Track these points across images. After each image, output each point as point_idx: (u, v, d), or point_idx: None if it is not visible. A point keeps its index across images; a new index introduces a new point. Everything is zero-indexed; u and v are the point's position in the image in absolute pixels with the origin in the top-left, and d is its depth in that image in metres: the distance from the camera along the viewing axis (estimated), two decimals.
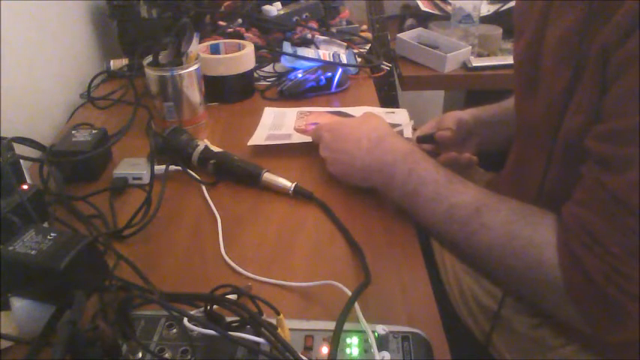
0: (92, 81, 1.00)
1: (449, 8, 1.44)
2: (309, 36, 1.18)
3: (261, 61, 1.09)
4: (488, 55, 1.33)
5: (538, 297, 0.56)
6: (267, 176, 0.70)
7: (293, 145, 0.79)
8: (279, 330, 0.44)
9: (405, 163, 0.63)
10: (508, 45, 1.36)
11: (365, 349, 0.45)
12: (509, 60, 1.23)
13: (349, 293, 0.49)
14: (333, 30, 1.24)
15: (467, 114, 0.85)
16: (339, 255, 0.59)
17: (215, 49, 1.00)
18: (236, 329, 0.45)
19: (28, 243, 0.48)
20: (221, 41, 1.02)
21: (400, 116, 0.89)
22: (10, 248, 0.47)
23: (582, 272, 0.49)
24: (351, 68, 1.08)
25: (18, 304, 0.48)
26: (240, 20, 1.16)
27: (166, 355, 0.43)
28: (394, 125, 0.79)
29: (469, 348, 0.76)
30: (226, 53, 1.00)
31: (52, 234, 0.49)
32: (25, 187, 0.58)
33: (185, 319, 0.44)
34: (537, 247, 0.52)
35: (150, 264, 0.58)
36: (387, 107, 0.95)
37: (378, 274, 0.55)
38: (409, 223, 0.64)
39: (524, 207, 0.56)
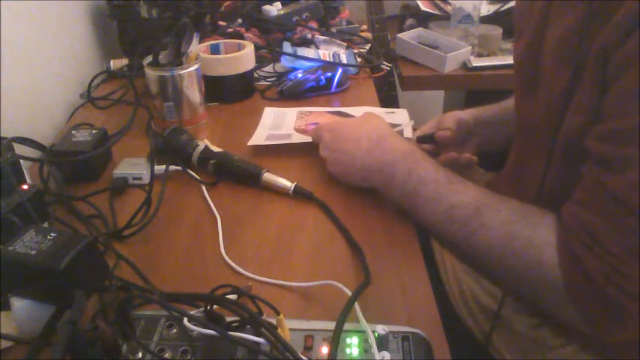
0: (92, 81, 1.00)
1: (449, 8, 1.44)
2: (309, 36, 1.18)
3: (261, 61, 1.09)
4: (488, 55, 1.33)
5: (538, 297, 0.56)
6: (267, 176, 0.70)
7: (293, 145, 0.79)
8: (279, 330, 0.44)
9: (405, 162, 0.63)
10: (508, 45, 1.36)
11: (365, 349, 0.45)
12: (509, 60, 1.23)
13: (349, 293, 0.49)
14: (333, 30, 1.24)
15: (467, 114, 0.85)
16: (339, 255, 0.59)
17: (215, 49, 1.00)
18: (236, 329, 0.45)
19: (28, 243, 0.48)
20: (221, 41, 1.02)
21: (400, 116, 0.89)
22: (10, 248, 0.47)
23: (582, 272, 0.49)
24: (351, 68, 1.08)
25: (18, 304, 0.48)
26: (240, 20, 1.16)
27: (166, 355, 0.43)
28: (394, 125, 0.79)
29: (469, 348, 0.76)
30: (226, 53, 1.00)
31: (52, 234, 0.49)
32: (25, 187, 0.58)
33: (185, 319, 0.44)
34: (537, 247, 0.52)
35: (150, 264, 0.58)
36: (387, 107, 0.95)
37: (378, 274, 0.55)
38: (409, 223, 0.64)
39: (524, 207, 0.56)
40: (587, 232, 0.49)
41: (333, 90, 1.01)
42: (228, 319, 0.46)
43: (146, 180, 0.72)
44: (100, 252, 0.55)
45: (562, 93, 0.56)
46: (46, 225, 0.59)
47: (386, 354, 0.44)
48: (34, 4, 0.90)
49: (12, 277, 0.48)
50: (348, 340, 0.45)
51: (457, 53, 1.27)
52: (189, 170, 0.72)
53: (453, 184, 0.59)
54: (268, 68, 1.10)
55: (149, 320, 0.47)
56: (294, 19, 1.18)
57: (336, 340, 0.44)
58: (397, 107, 1.27)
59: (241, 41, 1.01)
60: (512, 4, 1.40)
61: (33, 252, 0.47)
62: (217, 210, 0.66)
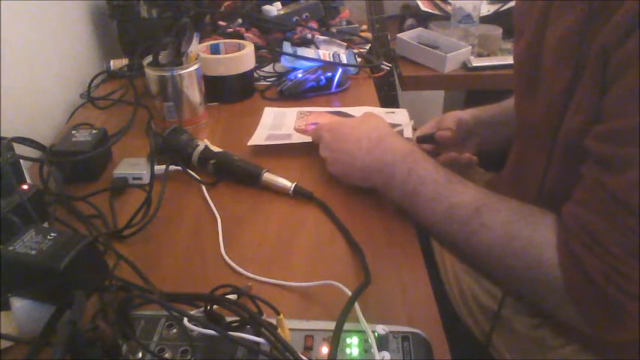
0: (92, 81, 1.01)
1: (449, 8, 1.44)
2: (309, 36, 1.18)
3: (261, 61, 1.09)
4: (488, 55, 1.33)
5: (538, 297, 0.56)
6: (267, 176, 0.70)
7: (293, 145, 0.79)
8: (279, 330, 0.44)
9: (405, 162, 0.63)
10: (508, 45, 1.36)
11: (365, 349, 0.45)
12: (509, 60, 1.23)
13: (349, 293, 0.49)
14: (333, 30, 1.24)
15: (467, 114, 0.85)
16: (339, 255, 0.59)
17: (215, 49, 1.00)
18: (236, 329, 0.45)
19: (28, 243, 0.48)
20: (221, 41, 1.02)
21: (400, 116, 0.89)
22: (10, 248, 0.47)
23: (582, 272, 0.49)
24: (351, 68, 1.08)
25: (18, 304, 0.48)
26: (240, 20, 1.16)
27: (166, 355, 0.43)
28: (394, 125, 0.79)
29: (469, 348, 0.76)
30: (226, 53, 1.00)
31: (52, 234, 0.49)
32: (25, 187, 0.58)
33: (185, 319, 0.44)
34: (537, 247, 0.52)
35: (150, 264, 0.58)
36: (387, 107, 0.95)
37: (378, 274, 0.55)
38: (409, 223, 0.64)
39: (524, 207, 0.56)
40: (587, 232, 0.49)
41: (333, 90, 1.01)
42: (228, 319, 0.46)
43: (146, 180, 0.72)
44: (100, 252, 0.55)
45: (562, 93, 0.56)
46: (46, 225, 0.59)
47: (386, 354, 0.44)
48: (34, 4, 0.90)
49: (12, 277, 0.48)
50: (348, 340, 0.45)
51: (457, 53, 1.27)
52: (189, 170, 0.72)
53: (452, 184, 0.59)
54: (268, 68, 1.10)
55: (149, 320, 0.47)
56: (294, 19, 1.18)
57: (336, 340, 0.44)
58: (397, 107, 1.27)
59: (241, 41, 1.01)
60: (512, 4, 1.40)
61: (33, 252, 0.47)
62: (217, 210, 0.66)
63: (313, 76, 0.98)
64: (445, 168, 0.62)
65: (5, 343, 0.48)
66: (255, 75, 1.05)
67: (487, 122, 0.85)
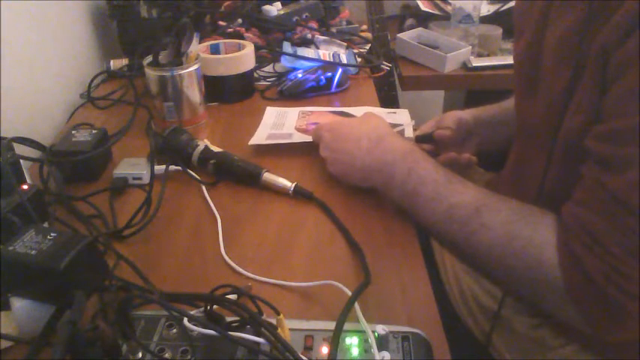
0: (92, 81, 1.01)
1: (449, 8, 1.44)
2: (309, 36, 1.18)
3: (261, 61, 1.09)
4: (488, 55, 1.33)
5: (538, 297, 0.56)
6: (267, 176, 0.70)
7: (293, 145, 0.79)
8: (279, 330, 0.44)
9: (405, 162, 0.63)
10: (508, 45, 1.36)
11: (365, 349, 0.45)
12: (509, 60, 1.23)
13: (349, 293, 0.49)
14: (333, 30, 1.24)
15: (467, 114, 0.85)
16: (339, 255, 0.59)
17: (215, 49, 1.00)
18: (236, 329, 0.45)
19: (28, 243, 0.48)
20: (221, 41, 1.02)
21: (402, 116, 0.89)
22: (10, 248, 0.47)
23: (582, 272, 0.49)
24: (351, 68, 1.08)
25: (18, 304, 0.48)
26: (240, 20, 1.16)
27: (166, 355, 0.43)
28: (395, 125, 0.79)
29: (469, 348, 0.76)
30: (226, 53, 1.00)
31: (52, 234, 0.49)
32: (25, 187, 0.58)
33: (185, 319, 0.44)
34: (537, 247, 0.52)
35: (150, 264, 0.58)
36: (387, 107, 0.95)
37: (378, 274, 0.55)
38: (409, 223, 0.64)
39: (524, 207, 0.56)
40: (587, 232, 0.49)
41: (333, 90, 1.01)
42: (228, 319, 0.46)
43: (146, 180, 0.72)
44: (100, 252, 0.55)
45: (562, 93, 0.56)
46: (46, 225, 0.59)
47: (386, 354, 0.44)
48: (34, 4, 0.90)
49: (12, 277, 0.48)
50: (348, 340, 0.45)
51: (457, 53, 1.27)
52: (189, 170, 0.72)
53: (452, 184, 0.59)
54: (268, 68, 1.10)
55: (149, 320, 0.47)
56: (294, 19, 1.18)
57: (336, 340, 0.44)
58: (397, 107, 1.27)
59: (241, 41, 1.01)
60: (512, 4, 1.40)
61: (33, 252, 0.47)
62: (217, 210, 0.66)
63: (313, 76, 0.98)
64: (445, 168, 0.62)
65: (5, 343, 0.48)
66: (255, 75, 1.05)
67: (487, 122, 0.85)
